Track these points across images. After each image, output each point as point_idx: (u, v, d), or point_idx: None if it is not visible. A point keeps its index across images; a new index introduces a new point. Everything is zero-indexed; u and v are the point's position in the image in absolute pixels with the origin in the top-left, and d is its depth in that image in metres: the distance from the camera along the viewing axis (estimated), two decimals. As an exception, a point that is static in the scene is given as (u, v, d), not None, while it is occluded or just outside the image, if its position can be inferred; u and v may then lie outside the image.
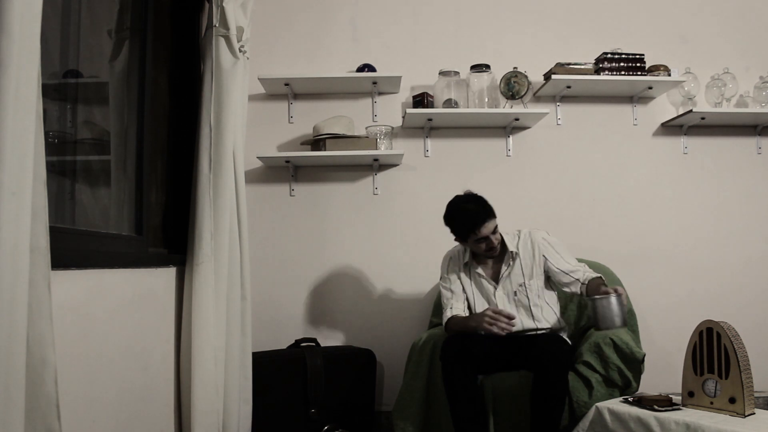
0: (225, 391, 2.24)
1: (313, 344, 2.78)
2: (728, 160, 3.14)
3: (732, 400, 1.78)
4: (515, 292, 2.35)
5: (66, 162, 1.86)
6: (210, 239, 2.18)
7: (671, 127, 3.14)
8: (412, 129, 3.09)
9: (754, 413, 1.78)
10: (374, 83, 3.01)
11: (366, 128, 2.96)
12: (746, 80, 3.08)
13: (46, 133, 1.16)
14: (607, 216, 3.09)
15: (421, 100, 2.94)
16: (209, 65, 2.26)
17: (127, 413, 1.76)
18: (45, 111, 1.24)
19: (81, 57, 1.90)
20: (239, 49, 2.29)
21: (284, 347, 2.80)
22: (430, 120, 2.96)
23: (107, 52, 2.05)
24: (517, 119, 2.97)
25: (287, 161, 2.96)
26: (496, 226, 2.27)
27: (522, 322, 2.32)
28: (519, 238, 2.39)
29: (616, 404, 1.97)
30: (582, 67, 2.92)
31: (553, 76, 2.88)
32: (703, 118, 3.00)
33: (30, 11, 1.03)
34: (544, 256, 2.35)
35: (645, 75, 2.93)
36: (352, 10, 3.14)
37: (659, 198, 3.11)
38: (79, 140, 1.93)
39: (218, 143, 2.23)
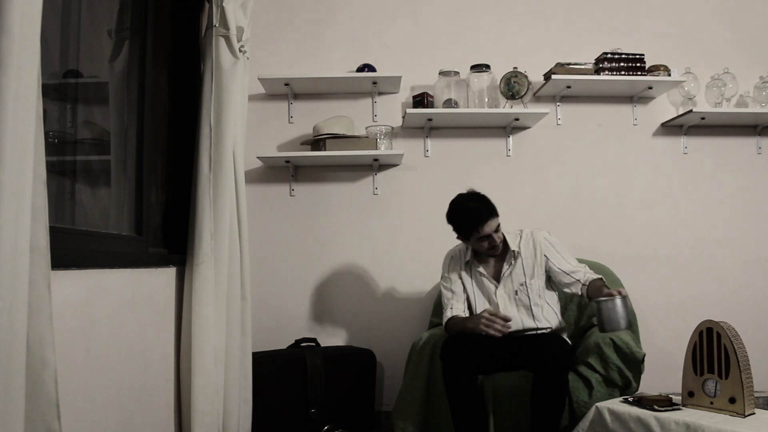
0: (225, 391, 2.24)
1: (313, 344, 2.78)
2: (728, 160, 3.14)
3: (732, 400, 1.78)
4: (516, 292, 2.35)
5: (66, 162, 1.86)
6: (210, 239, 2.18)
7: (671, 127, 3.14)
8: (412, 129, 3.09)
9: (754, 413, 1.78)
10: (374, 83, 3.01)
11: (366, 128, 2.96)
12: (746, 80, 3.08)
13: (46, 133, 1.16)
14: (607, 216, 3.09)
15: (421, 100, 2.94)
16: (209, 65, 2.26)
17: (127, 413, 1.76)
18: (45, 111, 1.24)
19: (81, 57, 1.90)
20: (239, 49, 2.30)
21: (284, 347, 2.80)
22: (430, 120, 2.96)
23: (107, 52, 2.05)
24: (517, 119, 2.97)
25: (287, 161, 2.96)
26: (498, 225, 2.27)
27: (522, 321, 2.32)
28: (521, 237, 2.40)
29: (616, 404, 1.97)
30: (582, 67, 2.92)
31: (553, 76, 2.88)
32: (703, 118, 3.00)
33: (30, 11, 1.03)
34: (545, 255, 2.35)
35: (645, 75, 2.93)
36: (352, 10, 3.14)
37: (659, 198, 3.11)
38: (79, 140, 1.93)
39: (218, 143, 2.23)
